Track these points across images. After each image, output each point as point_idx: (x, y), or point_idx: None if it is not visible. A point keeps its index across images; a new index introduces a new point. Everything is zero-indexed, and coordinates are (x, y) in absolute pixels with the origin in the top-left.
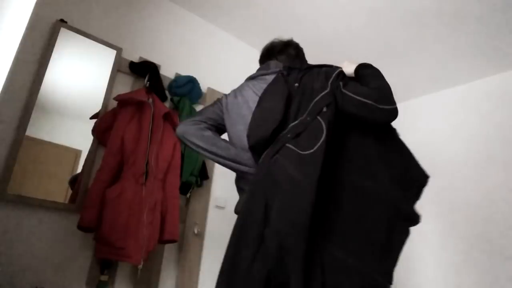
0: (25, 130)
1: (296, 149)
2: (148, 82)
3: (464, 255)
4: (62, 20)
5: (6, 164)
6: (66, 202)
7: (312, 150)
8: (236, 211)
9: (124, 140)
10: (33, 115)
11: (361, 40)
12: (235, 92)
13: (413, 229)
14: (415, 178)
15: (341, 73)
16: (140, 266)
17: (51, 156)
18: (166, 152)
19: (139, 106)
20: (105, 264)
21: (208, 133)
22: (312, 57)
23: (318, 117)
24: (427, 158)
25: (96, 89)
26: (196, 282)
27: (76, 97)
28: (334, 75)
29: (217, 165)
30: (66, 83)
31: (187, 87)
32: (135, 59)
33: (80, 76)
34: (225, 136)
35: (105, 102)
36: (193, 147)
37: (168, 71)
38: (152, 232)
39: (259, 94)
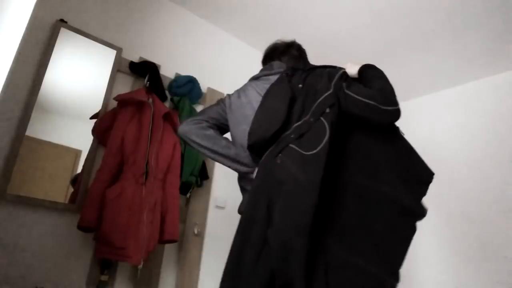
0: (25, 130)
1: (299, 150)
2: (148, 82)
3: (462, 255)
4: (62, 20)
5: (6, 164)
6: (66, 202)
7: (315, 151)
8: (239, 211)
9: (124, 140)
10: (33, 115)
11: (361, 40)
12: (239, 92)
13: None
14: (420, 175)
15: (344, 74)
16: (140, 266)
17: (51, 156)
18: (166, 152)
19: (139, 106)
20: (105, 264)
21: (210, 132)
22: (312, 57)
23: (321, 118)
24: (427, 158)
25: (96, 89)
26: (196, 282)
27: (76, 97)
28: (337, 76)
29: (217, 165)
30: (66, 83)
31: (187, 87)
32: (135, 59)
33: (80, 76)
34: (228, 135)
35: (105, 102)
36: (194, 145)
37: (168, 71)
38: (152, 232)
39: (263, 94)
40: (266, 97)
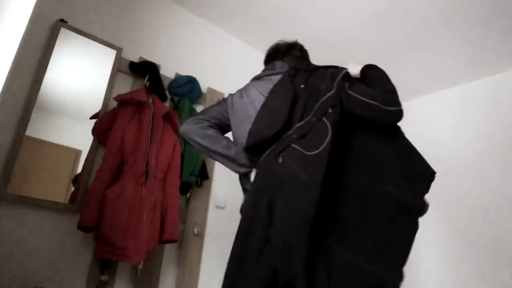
0: (25, 130)
1: (301, 150)
2: (148, 82)
3: (462, 255)
4: (62, 20)
5: (6, 164)
6: (66, 202)
7: (317, 151)
8: (241, 211)
9: (124, 140)
10: (33, 115)
11: (361, 40)
12: (241, 92)
13: None
14: (422, 174)
15: (347, 74)
16: (140, 266)
17: (51, 156)
18: (166, 152)
19: (139, 106)
20: (105, 264)
21: (210, 131)
22: (311, 57)
23: (324, 118)
24: (426, 158)
25: (96, 89)
26: (196, 282)
27: (76, 97)
28: (340, 76)
29: (217, 165)
30: (66, 83)
31: (187, 87)
32: (135, 59)
33: (80, 76)
34: (229, 135)
35: (105, 102)
36: (195, 145)
37: (168, 71)
38: (152, 232)
39: (265, 94)
40: (269, 97)
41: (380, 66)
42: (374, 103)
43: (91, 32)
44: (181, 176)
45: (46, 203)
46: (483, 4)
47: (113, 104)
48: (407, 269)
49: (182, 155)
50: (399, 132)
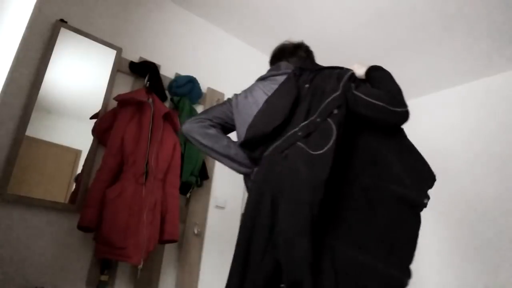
0: (25, 130)
1: (306, 148)
2: (148, 82)
3: (462, 254)
4: (62, 20)
5: (6, 164)
6: (66, 202)
7: (322, 151)
8: (245, 210)
9: (124, 140)
10: (33, 115)
11: (361, 40)
12: (246, 92)
13: None
14: (423, 175)
15: (353, 75)
16: (140, 266)
17: (51, 156)
18: (166, 152)
19: (139, 106)
20: (105, 264)
21: (212, 131)
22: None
23: (329, 119)
24: (426, 158)
25: (96, 89)
26: (196, 282)
27: (76, 97)
28: (346, 77)
29: (217, 165)
30: (66, 83)
31: (187, 87)
32: (135, 59)
33: (80, 76)
34: (233, 135)
35: (105, 102)
36: (196, 144)
37: (168, 71)
38: (152, 232)
39: (269, 94)
40: (272, 94)
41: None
42: (381, 104)
43: (91, 32)
44: (181, 176)
45: (46, 203)
46: (482, 6)
47: (113, 104)
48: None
49: (182, 155)
50: (401, 133)
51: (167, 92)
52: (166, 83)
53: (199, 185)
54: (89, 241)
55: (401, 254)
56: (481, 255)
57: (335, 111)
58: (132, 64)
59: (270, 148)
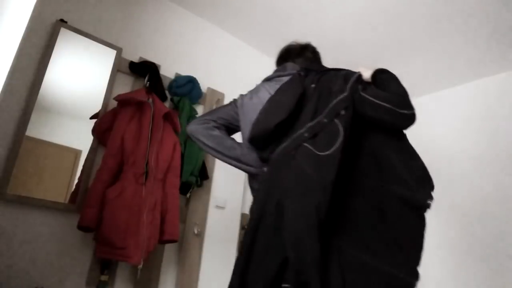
0: (25, 130)
1: (313, 149)
2: (148, 82)
3: (462, 254)
4: (62, 20)
5: (6, 164)
6: (66, 202)
7: (329, 152)
8: (250, 210)
9: (124, 140)
10: (33, 115)
11: (362, 40)
12: (251, 93)
13: None
14: (427, 178)
15: (360, 76)
16: (140, 266)
17: (51, 156)
18: (166, 152)
19: (139, 106)
20: (105, 264)
21: (216, 132)
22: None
23: (335, 120)
24: (427, 158)
25: (96, 89)
26: (196, 282)
27: (76, 97)
28: (353, 78)
29: (217, 165)
30: (66, 83)
31: (187, 87)
32: (135, 59)
33: (80, 76)
34: (237, 135)
35: (105, 102)
36: (201, 145)
37: (168, 71)
38: (152, 232)
39: None
40: (276, 92)
41: (380, 66)
42: (388, 106)
43: (91, 32)
44: (181, 176)
45: (46, 203)
46: (483, 5)
47: (113, 104)
48: None
49: (182, 155)
50: (404, 136)
51: (167, 92)
52: (166, 83)
53: (199, 185)
54: (89, 241)
55: (408, 255)
56: (483, 257)
57: (342, 112)
58: (132, 64)
59: (278, 149)
